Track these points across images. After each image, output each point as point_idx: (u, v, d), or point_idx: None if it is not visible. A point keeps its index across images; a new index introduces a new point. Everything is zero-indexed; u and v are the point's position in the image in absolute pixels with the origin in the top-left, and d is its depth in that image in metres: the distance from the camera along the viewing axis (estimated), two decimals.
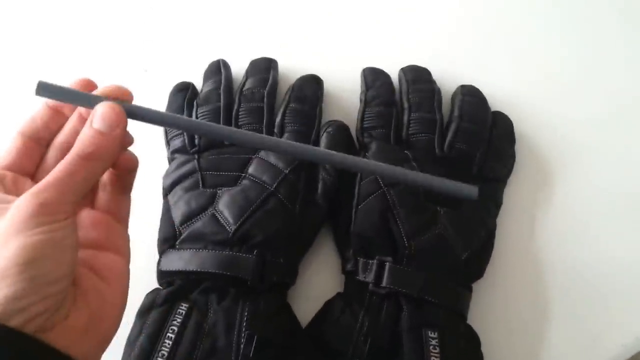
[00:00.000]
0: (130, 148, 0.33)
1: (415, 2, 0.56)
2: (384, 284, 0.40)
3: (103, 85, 0.31)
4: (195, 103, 0.48)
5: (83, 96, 0.30)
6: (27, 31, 0.56)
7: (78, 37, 0.56)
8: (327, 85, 0.50)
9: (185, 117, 0.31)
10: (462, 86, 0.49)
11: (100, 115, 0.29)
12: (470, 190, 0.33)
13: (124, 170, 0.33)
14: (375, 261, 0.41)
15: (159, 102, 0.50)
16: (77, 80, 0.31)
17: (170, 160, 0.47)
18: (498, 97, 0.50)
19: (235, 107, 0.47)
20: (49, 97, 0.30)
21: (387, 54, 0.53)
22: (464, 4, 0.56)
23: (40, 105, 0.32)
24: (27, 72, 0.54)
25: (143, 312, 0.39)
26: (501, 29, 0.55)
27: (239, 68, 0.51)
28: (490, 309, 0.44)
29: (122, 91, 0.31)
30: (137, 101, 0.51)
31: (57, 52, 0.55)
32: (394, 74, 0.50)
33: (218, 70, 0.50)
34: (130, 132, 0.32)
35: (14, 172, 0.31)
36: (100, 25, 0.56)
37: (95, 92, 0.31)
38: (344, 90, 0.51)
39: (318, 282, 0.45)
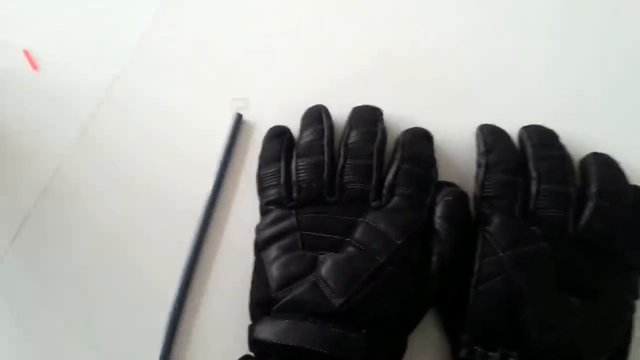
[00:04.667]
0: None
1: (531, 57, 0.52)
2: None
3: None
4: (294, 152, 0.45)
5: None
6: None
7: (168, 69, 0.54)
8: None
9: None
10: (595, 154, 0.44)
11: None
12: None
13: None
14: (497, 354, 0.36)
15: (252, 146, 0.48)
16: None
17: (264, 211, 0.44)
18: (635, 168, 0.44)
19: (340, 162, 0.43)
20: None
21: (501, 107, 0.49)
22: (593, 59, 0.51)
23: None
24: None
25: None
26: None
27: (336, 109, 0.48)
28: None
29: None
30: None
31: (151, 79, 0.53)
32: (510, 130, 0.45)
33: (319, 118, 0.47)
34: None
35: None
36: (191, 59, 0.54)
37: None
38: (452, 144, 0.47)
39: None
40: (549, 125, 0.45)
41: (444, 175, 0.45)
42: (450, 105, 0.50)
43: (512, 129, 0.46)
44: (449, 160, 0.47)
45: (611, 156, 0.44)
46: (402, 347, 0.39)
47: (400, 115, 0.48)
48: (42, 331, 0.44)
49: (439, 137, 0.46)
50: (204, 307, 0.44)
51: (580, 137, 0.46)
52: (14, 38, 0.56)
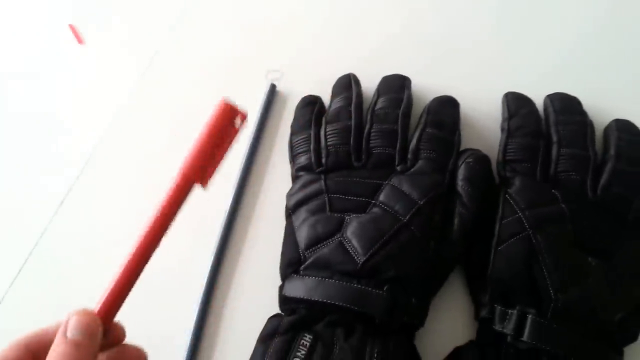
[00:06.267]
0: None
1: (562, 27, 0.52)
2: (525, 338, 0.36)
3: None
4: (323, 119, 0.46)
5: None
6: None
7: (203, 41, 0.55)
8: (462, 107, 0.47)
9: None
10: (617, 120, 0.44)
11: (74, 324, 0.26)
12: None
13: None
14: (515, 311, 0.37)
15: (285, 117, 0.49)
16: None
17: (295, 177, 0.46)
18: None
19: (367, 127, 0.45)
20: None
21: (528, 78, 0.50)
22: (616, 28, 0.51)
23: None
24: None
25: (265, 338, 0.38)
26: None
27: (367, 83, 0.49)
28: None
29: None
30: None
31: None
32: (536, 101, 0.46)
33: (348, 85, 0.48)
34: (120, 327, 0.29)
35: None
36: (229, 30, 0.56)
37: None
38: (481, 114, 0.48)
39: (446, 326, 0.41)
40: (575, 94, 0.46)
41: (471, 143, 0.46)
42: (480, 75, 0.51)
43: (539, 97, 0.47)
44: (476, 129, 0.48)
45: (631, 122, 0.44)
46: (424, 308, 0.40)
47: (430, 86, 0.49)
48: None
49: (468, 106, 0.47)
50: (238, 275, 0.45)
51: (607, 106, 0.46)
52: (59, 13, 0.59)
